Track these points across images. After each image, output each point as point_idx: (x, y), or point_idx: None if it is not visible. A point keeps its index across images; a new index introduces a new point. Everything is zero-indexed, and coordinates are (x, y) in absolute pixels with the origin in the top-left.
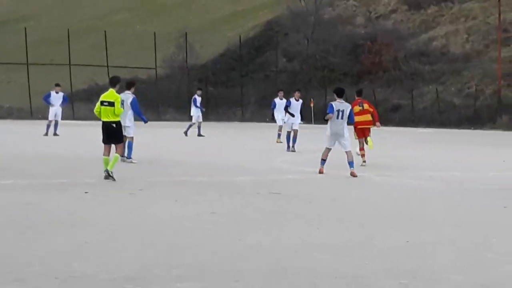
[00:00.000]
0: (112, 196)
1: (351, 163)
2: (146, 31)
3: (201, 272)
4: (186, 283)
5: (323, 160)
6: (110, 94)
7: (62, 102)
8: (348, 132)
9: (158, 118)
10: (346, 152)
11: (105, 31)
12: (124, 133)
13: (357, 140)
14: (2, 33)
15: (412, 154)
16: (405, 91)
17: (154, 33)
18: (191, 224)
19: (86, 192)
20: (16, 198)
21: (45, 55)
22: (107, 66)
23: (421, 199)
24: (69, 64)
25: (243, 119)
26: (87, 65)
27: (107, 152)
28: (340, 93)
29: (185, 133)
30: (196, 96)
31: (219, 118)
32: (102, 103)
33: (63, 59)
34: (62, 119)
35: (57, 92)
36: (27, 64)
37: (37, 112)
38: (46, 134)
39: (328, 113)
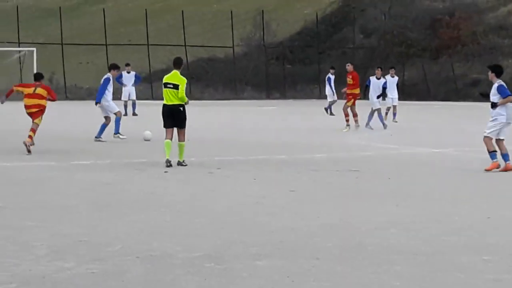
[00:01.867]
0: (191, 176)
1: (506, 156)
2: (222, 10)
3: (280, 250)
4: (266, 261)
5: (494, 152)
6: (174, 76)
7: (135, 81)
8: None
9: (236, 96)
10: (501, 141)
11: (182, 11)
12: (108, 114)
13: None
14: (81, 15)
15: None
16: (484, 66)
17: (231, 11)
18: (270, 202)
19: (165, 172)
20: (96, 178)
21: (123, 36)
22: (185, 46)
23: (501, 175)
24: (147, 44)
25: (320, 96)
26: (165, 45)
27: (170, 136)
28: (500, 72)
29: (327, 110)
30: (329, 75)
31: (296, 96)
32: (165, 85)
33: (141, 39)
34: (141, 99)
35: (128, 72)
36: (106, 45)
37: (116, 93)
38: (125, 114)
39: (509, 95)
